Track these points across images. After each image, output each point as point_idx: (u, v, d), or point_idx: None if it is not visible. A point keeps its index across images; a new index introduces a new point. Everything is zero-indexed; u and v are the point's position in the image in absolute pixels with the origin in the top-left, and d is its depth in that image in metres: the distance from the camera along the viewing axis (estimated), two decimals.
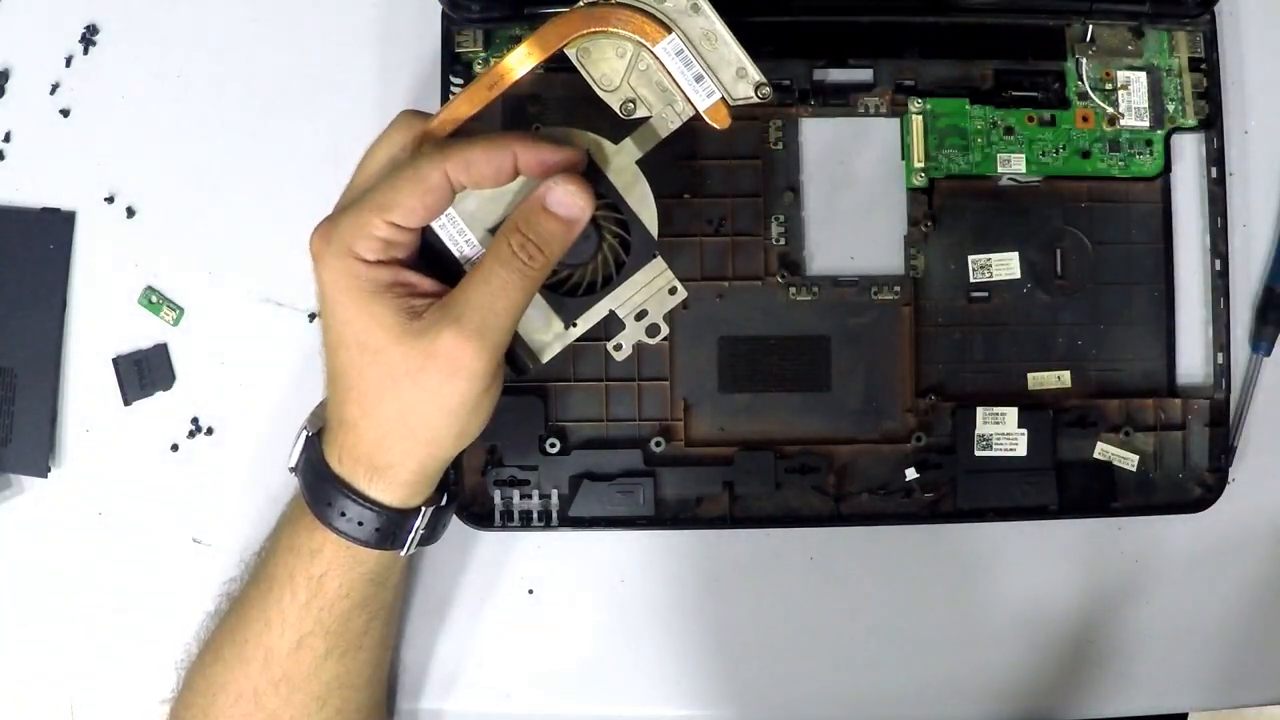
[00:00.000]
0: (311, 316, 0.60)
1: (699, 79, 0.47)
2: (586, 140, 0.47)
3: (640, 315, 0.49)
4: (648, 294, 0.49)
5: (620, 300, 0.49)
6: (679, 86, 0.47)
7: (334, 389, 0.48)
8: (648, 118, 0.47)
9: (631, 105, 0.47)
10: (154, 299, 0.60)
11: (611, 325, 0.49)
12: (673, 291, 0.49)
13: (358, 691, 0.53)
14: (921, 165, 0.58)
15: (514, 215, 0.46)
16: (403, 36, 0.60)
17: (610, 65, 0.47)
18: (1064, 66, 0.59)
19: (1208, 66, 0.59)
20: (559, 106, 0.58)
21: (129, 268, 0.60)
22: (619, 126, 0.48)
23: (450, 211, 0.46)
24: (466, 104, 0.47)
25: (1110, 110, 0.59)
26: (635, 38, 0.46)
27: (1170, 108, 0.59)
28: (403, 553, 0.50)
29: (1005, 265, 0.58)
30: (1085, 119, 0.59)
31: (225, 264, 0.60)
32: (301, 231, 0.60)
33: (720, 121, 0.47)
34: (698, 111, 0.47)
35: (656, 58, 0.47)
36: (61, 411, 0.59)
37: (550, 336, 0.49)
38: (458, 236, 0.47)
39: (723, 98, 0.47)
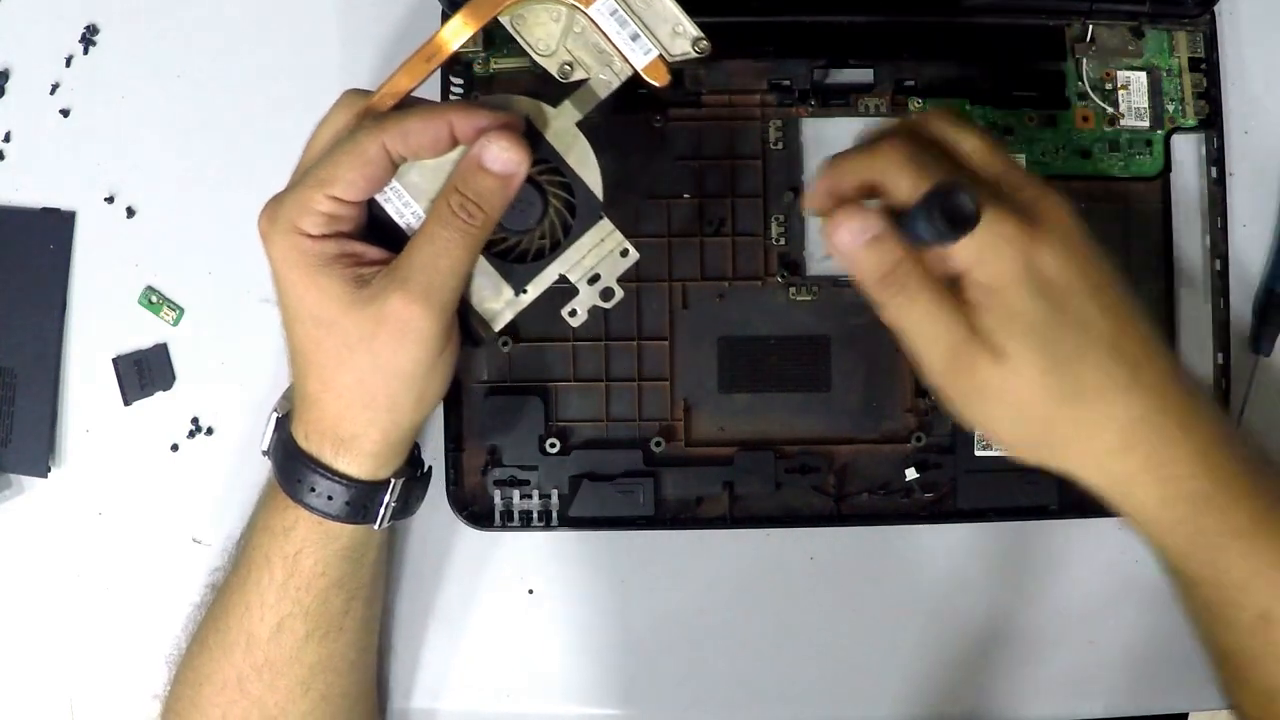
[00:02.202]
0: None
1: (635, 38, 0.46)
2: (525, 105, 0.47)
3: (593, 279, 0.49)
4: (598, 257, 0.48)
5: (570, 264, 0.48)
6: (615, 47, 0.47)
7: (295, 366, 0.48)
8: (586, 80, 0.47)
9: (569, 68, 0.47)
10: (154, 299, 0.60)
11: (570, 293, 0.49)
12: (624, 254, 0.49)
13: (342, 676, 0.53)
14: None
15: (452, 176, 0.46)
16: (403, 36, 0.60)
17: (545, 30, 0.47)
18: (1064, 66, 0.59)
19: (1208, 66, 0.59)
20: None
21: (129, 268, 0.60)
22: (565, 93, 0.47)
23: (394, 184, 0.47)
24: (406, 77, 0.47)
25: (1110, 110, 0.59)
26: (568, 0, 0.46)
27: (1170, 108, 0.59)
28: (376, 526, 0.50)
29: None
30: (1085, 119, 0.59)
31: (225, 264, 0.60)
32: None
33: (659, 79, 0.47)
34: (636, 71, 0.47)
35: (591, 19, 0.46)
36: (61, 411, 0.59)
37: (501, 304, 0.49)
38: (403, 209, 0.47)
39: (660, 55, 0.47)
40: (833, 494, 0.58)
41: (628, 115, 0.54)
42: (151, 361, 0.60)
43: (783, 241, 0.58)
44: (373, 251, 0.47)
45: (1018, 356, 0.43)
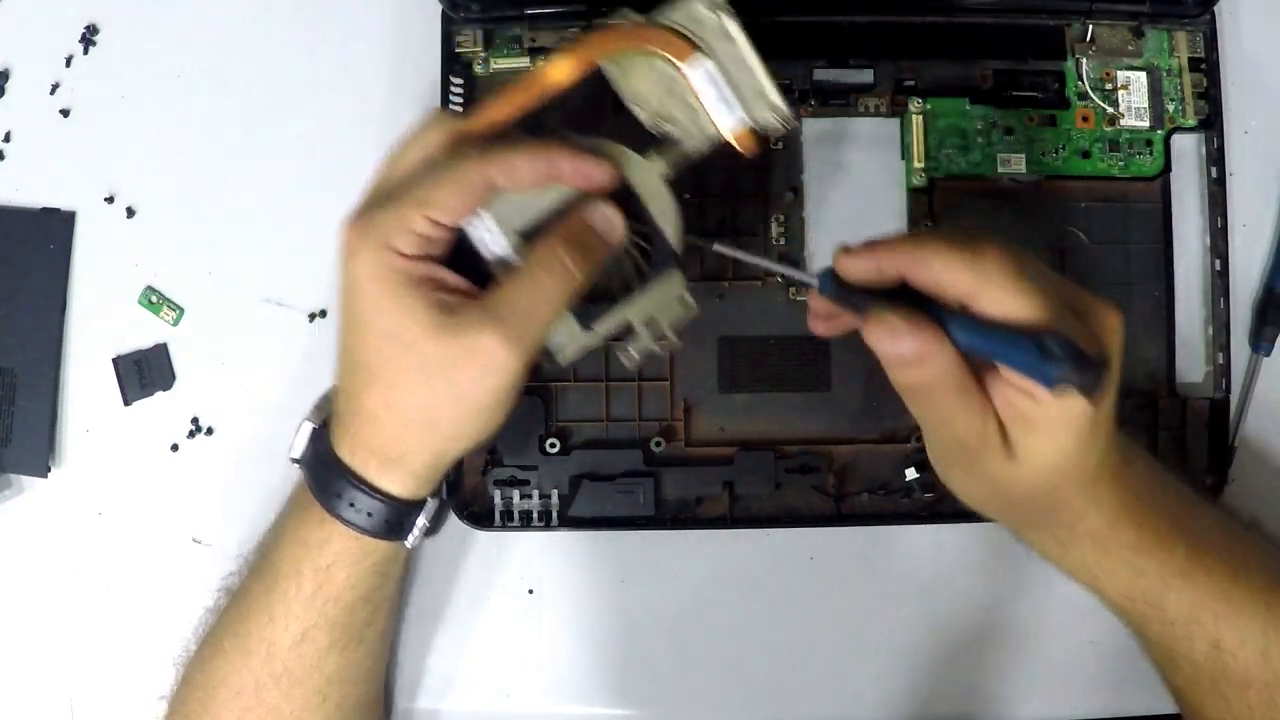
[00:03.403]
0: (311, 316, 0.60)
1: (726, 104, 0.47)
2: (618, 152, 0.48)
3: (653, 325, 0.49)
4: (661, 304, 0.49)
5: (637, 309, 0.49)
6: (706, 110, 0.48)
7: (352, 379, 0.48)
8: (677, 136, 0.48)
9: (661, 123, 0.48)
10: (154, 299, 0.60)
11: (628, 332, 0.50)
12: (685, 305, 0.49)
13: (358, 686, 0.53)
14: (921, 165, 0.58)
15: (562, 229, 0.46)
16: (403, 36, 0.60)
17: (644, 82, 0.48)
18: (1064, 66, 0.59)
19: (1208, 66, 0.59)
20: (558, 106, 0.58)
21: (129, 268, 0.60)
22: (633, 133, 0.48)
23: (481, 211, 0.47)
24: (503, 108, 0.47)
25: (1110, 110, 0.59)
26: (669, 58, 0.47)
27: (1170, 108, 0.59)
28: (408, 543, 0.50)
29: None
30: (1085, 119, 0.59)
31: (225, 264, 0.60)
32: (302, 231, 0.60)
33: (746, 148, 0.48)
34: (723, 135, 0.48)
35: (687, 79, 0.47)
36: (61, 411, 0.59)
37: (568, 339, 0.49)
38: (487, 236, 0.47)
39: (748, 123, 0.48)
40: (833, 494, 0.58)
41: (628, 115, 0.54)
42: (151, 361, 0.60)
43: (783, 241, 0.58)
44: (456, 279, 0.47)
45: (1030, 467, 0.45)
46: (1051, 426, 0.43)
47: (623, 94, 0.48)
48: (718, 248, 0.48)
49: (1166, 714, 0.55)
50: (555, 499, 0.57)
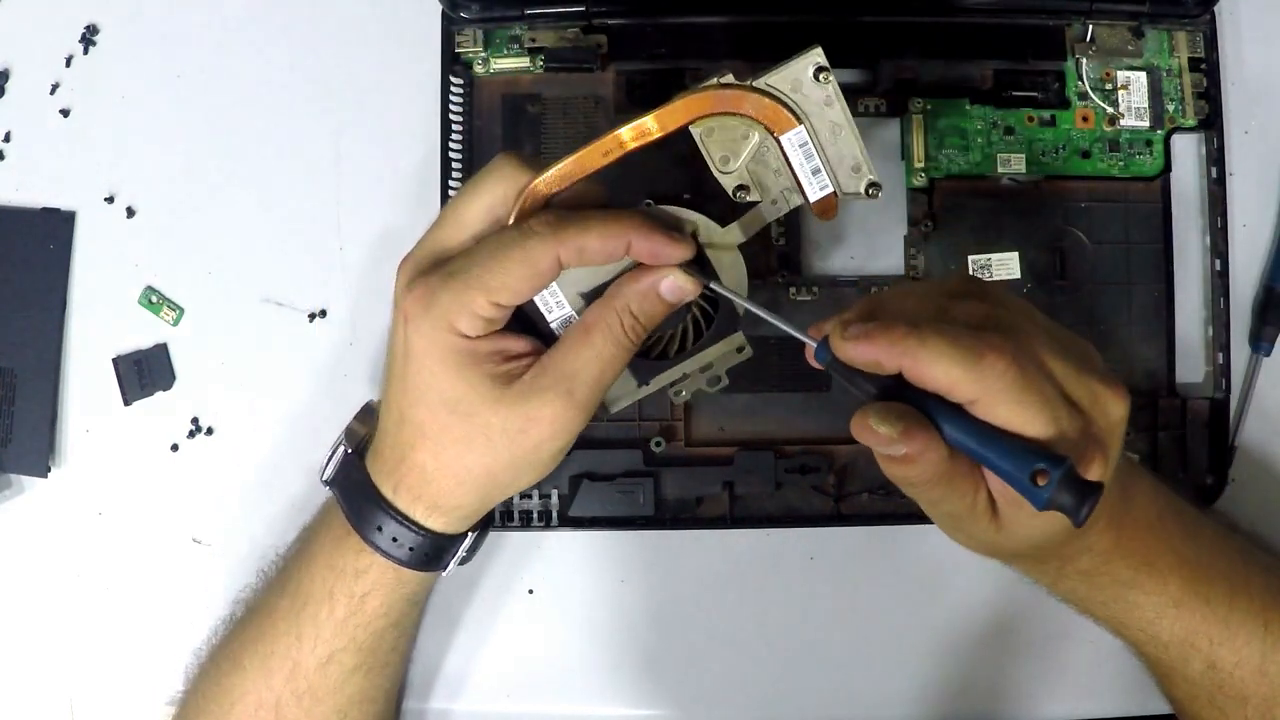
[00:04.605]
0: (311, 316, 0.60)
1: (816, 172, 0.46)
2: (695, 224, 0.47)
3: (705, 368, 0.50)
4: (718, 355, 0.49)
5: (695, 362, 0.49)
6: (795, 177, 0.47)
7: (400, 430, 0.47)
8: (756, 202, 0.47)
9: (744, 191, 0.47)
10: (154, 299, 0.60)
11: (682, 378, 0.50)
12: (740, 350, 0.50)
13: (377, 705, 0.53)
14: (921, 165, 0.58)
15: (628, 295, 0.46)
16: (403, 36, 0.60)
17: (732, 147, 0.46)
18: (1064, 66, 0.59)
19: (1208, 66, 0.59)
20: (558, 106, 0.58)
21: (129, 268, 0.60)
22: (710, 190, 0.47)
23: None
24: (577, 166, 0.45)
25: (1110, 110, 0.59)
26: (764, 125, 0.46)
27: (1170, 108, 0.59)
28: (444, 574, 0.51)
29: (1005, 265, 0.58)
30: (1085, 119, 0.59)
31: (225, 264, 0.60)
32: (302, 231, 0.60)
33: (827, 215, 0.47)
34: (806, 202, 0.47)
35: (781, 148, 0.46)
36: (61, 411, 0.59)
37: (622, 392, 0.49)
38: (550, 299, 0.47)
39: (834, 191, 0.47)
40: (833, 494, 0.58)
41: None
42: (151, 361, 0.60)
43: (783, 241, 0.58)
44: (519, 344, 0.46)
45: (1019, 537, 0.44)
46: (1045, 523, 0.43)
47: (709, 158, 0.46)
48: (714, 288, 0.47)
49: (1166, 714, 0.55)
50: (555, 499, 0.57)
